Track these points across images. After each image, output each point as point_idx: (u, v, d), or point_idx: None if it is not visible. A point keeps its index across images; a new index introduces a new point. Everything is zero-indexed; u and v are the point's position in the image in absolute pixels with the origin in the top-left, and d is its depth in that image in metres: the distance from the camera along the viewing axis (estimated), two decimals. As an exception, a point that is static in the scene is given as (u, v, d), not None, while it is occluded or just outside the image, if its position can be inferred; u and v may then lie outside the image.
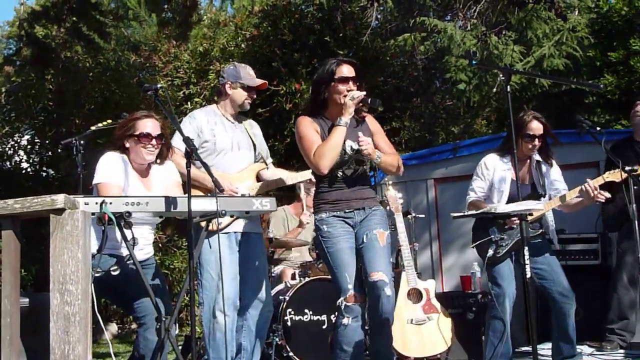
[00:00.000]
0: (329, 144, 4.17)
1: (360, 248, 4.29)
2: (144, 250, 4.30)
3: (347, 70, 4.28)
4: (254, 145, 4.90)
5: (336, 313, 4.32)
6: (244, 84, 4.75)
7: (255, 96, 4.85)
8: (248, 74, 4.79)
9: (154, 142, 4.23)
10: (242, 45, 11.63)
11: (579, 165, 7.14)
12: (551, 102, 12.15)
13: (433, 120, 11.82)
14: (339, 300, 4.21)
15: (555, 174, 5.20)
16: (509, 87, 3.94)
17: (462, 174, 7.76)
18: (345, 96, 4.21)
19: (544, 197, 5.10)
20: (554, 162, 5.23)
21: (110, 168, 4.13)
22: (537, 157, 5.14)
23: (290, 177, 4.93)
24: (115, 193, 3.99)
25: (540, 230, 5.13)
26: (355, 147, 4.24)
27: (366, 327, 4.43)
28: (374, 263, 4.22)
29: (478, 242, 5.05)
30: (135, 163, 4.27)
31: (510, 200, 4.95)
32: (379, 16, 10.87)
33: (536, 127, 5.01)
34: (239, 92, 4.77)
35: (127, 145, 4.24)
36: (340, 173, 4.29)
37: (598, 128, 5.14)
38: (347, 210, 4.28)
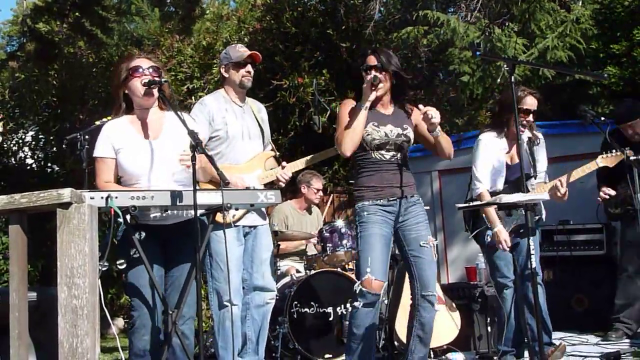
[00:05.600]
0: (348, 128, 4.27)
1: (415, 259, 4.37)
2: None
3: (368, 60, 4.43)
4: (262, 132, 4.93)
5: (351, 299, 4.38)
6: (233, 62, 4.78)
7: (251, 70, 4.81)
8: (237, 52, 4.81)
9: (146, 73, 3.98)
10: (245, 39, 11.60)
11: (583, 156, 7.13)
12: (555, 94, 12.12)
13: (437, 113, 11.78)
14: (356, 284, 4.26)
15: (541, 154, 5.18)
16: (512, 78, 3.94)
17: (466, 166, 7.71)
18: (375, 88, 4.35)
19: (535, 178, 5.08)
20: (540, 136, 5.18)
21: (107, 137, 4.01)
22: (527, 134, 5.11)
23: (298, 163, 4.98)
24: (107, 166, 3.96)
25: (537, 217, 5.12)
26: (399, 131, 4.38)
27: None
28: (431, 281, 4.39)
29: (476, 231, 5.05)
30: (139, 113, 4.06)
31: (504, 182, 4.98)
32: (381, 9, 10.84)
33: (531, 102, 5.02)
34: (233, 72, 4.80)
35: (127, 90, 4.03)
36: (379, 155, 4.34)
37: (602, 118, 5.15)
38: (389, 199, 4.31)
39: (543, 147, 5.20)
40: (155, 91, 3.96)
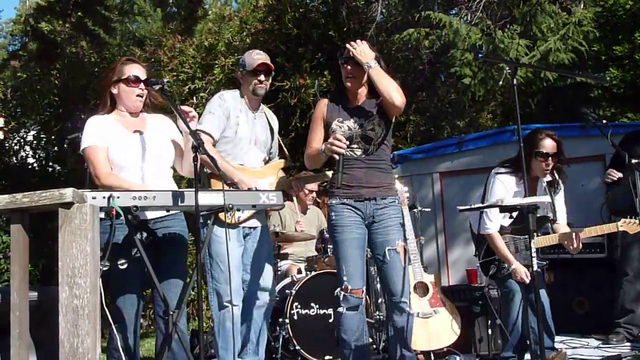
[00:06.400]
0: (310, 159, 4.48)
1: (381, 264, 4.27)
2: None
3: (345, 52, 4.46)
4: (272, 139, 4.94)
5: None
6: (247, 70, 4.78)
7: (264, 78, 4.80)
8: (251, 59, 4.79)
9: (142, 86, 4.10)
10: (247, 40, 11.63)
11: (584, 159, 7.14)
12: (557, 96, 12.11)
13: (438, 114, 11.79)
14: (337, 290, 4.25)
15: (559, 202, 5.03)
16: (514, 80, 3.93)
17: (467, 168, 7.78)
18: (348, 80, 4.45)
19: (554, 222, 4.97)
20: (562, 187, 5.05)
21: (95, 130, 4.00)
22: (547, 178, 4.99)
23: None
24: (102, 154, 3.94)
25: (545, 263, 5.08)
26: (362, 122, 4.35)
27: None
28: (398, 285, 4.23)
29: (483, 261, 5.04)
30: (125, 115, 4.14)
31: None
32: (383, 10, 10.84)
33: (549, 144, 4.87)
34: (247, 80, 4.79)
35: (115, 91, 4.11)
36: (350, 153, 4.27)
37: (604, 121, 5.11)
38: (356, 199, 4.25)
39: (562, 194, 5.07)
40: (142, 99, 4.10)
